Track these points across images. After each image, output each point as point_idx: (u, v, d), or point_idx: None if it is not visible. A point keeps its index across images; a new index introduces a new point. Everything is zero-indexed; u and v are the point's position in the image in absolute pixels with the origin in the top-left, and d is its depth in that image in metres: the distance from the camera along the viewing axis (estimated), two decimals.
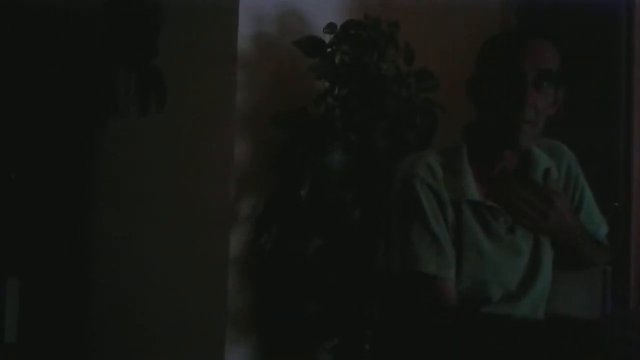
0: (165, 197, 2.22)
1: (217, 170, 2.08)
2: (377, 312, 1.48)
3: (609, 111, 1.96)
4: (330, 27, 1.97)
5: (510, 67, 1.18)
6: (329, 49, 1.97)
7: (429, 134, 1.93)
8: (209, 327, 2.06)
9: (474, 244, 1.23)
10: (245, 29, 2.00)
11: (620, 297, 1.90)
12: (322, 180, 1.92)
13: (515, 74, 1.18)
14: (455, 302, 1.20)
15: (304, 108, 1.99)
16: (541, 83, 1.18)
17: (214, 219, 2.08)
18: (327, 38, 1.99)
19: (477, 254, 1.23)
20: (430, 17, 2.32)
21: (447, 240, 1.22)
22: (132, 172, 2.34)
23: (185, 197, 2.16)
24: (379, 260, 1.74)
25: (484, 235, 1.24)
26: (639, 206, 1.96)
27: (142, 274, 2.27)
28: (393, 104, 1.91)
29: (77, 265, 2.45)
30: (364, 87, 1.93)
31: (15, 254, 2.32)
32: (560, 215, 1.20)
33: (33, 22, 2.45)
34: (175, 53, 2.19)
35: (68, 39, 2.45)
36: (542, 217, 1.18)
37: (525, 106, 1.17)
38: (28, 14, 2.44)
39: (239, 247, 2.03)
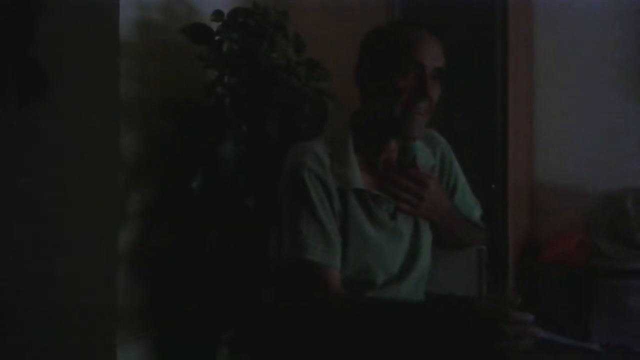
0: (48, 192, 2.10)
1: (103, 163, 1.98)
2: (269, 300, 1.49)
3: (486, 98, 2.07)
4: (217, 14, 1.93)
5: (411, 61, 1.22)
6: (217, 37, 1.93)
7: (319, 124, 1.95)
8: (99, 327, 1.97)
9: (359, 231, 1.26)
10: (127, 15, 1.92)
11: (499, 275, 2.03)
12: (214, 171, 1.89)
13: (415, 68, 1.22)
14: (341, 288, 1.22)
15: (192, 97, 1.94)
16: (436, 77, 1.24)
17: (101, 214, 1.98)
18: (215, 26, 1.96)
19: (362, 241, 1.27)
20: (318, 7, 2.34)
21: (333, 229, 1.24)
22: (12, 166, 2.20)
23: (70, 192, 2.05)
24: (270, 248, 1.75)
25: (369, 223, 1.28)
26: (515, 188, 2.10)
27: (26, 273, 2.13)
28: (283, 94, 1.90)
29: None
30: (253, 76, 1.91)
31: None
32: (435, 197, 1.28)
33: None
34: (54, 41, 2.06)
35: None
36: (418, 200, 1.25)
37: (424, 98, 1.22)
38: None
39: (128, 244, 1.96)
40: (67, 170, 2.06)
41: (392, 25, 1.35)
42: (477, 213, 1.46)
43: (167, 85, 2.01)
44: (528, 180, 2.33)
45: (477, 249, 1.42)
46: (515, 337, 1.00)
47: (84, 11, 1.99)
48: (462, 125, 1.99)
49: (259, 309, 1.85)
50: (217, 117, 1.90)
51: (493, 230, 1.78)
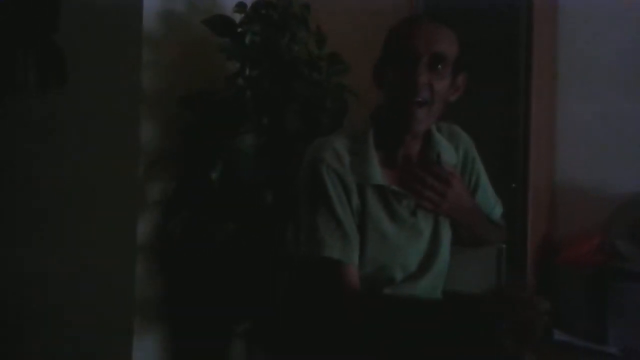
0: (68, 181, 2.12)
1: (123, 152, 2.00)
2: (283, 295, 1.49)
3: (509, 96, 2.04)
4: (240, 6, 1.93)
5: (406, 50, 1.20)
6: (239, 29, 1.93)
7: (340, 118, 1.94)
8: (117, 315, 1.99)
9: (377, 227, 1.25)
10: (150, 5, 1.93)
11: (517, 275, 2.01)
12: (233, 163, 1.89)
13: (409, 55, 1.19)
14: (358, 285, 1.21)
15: (213, 89, 1.94)
16: (435, 64, 1.20)
17: (120, 203, 2.00)
18: (238, 17, 1.95)
19: (381, 237, 1.25)
20: (341, 1, 2.33)
21: (351, 226, 1.23)
22: (32, 154, 2.22)
23: (89, 180, 2.07)
24: (287, 243, 1.74)
25: (388, 219, 1.26)
26: (535, 188, 2.07)
27: (46, 263, 2.16)
28: (304, 87, 1.90)
29: None
30: (275, 69, 1.91)
31: None
32: (457, 195, 1.26)
33: None
34: (78, 30, 2.08)
35: None
36: (441, 198, 1.24)
37: (417, 85, 1.18)
38: None
39: (147, 233, 1.98)
40: (86, 159, 2.08)
41: (402, 20, 1.33)
42: (497, 211, 1.44)
43: (188, 77, 2.01)
44: (549, 180, 2.30)
45: (497, 247, 1.41)
46: (527, 322, 1.00)
47: (108, 1, 2.00)
48: (484, 123, 1.96)
49: (274, 302, 1.86)
50: (238, 109, 1.90)
51: (512, 230, 1.76)
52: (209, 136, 1.93)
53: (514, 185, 2.01)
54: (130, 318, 1.95)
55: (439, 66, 1.21)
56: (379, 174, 1.25)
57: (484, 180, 1.41)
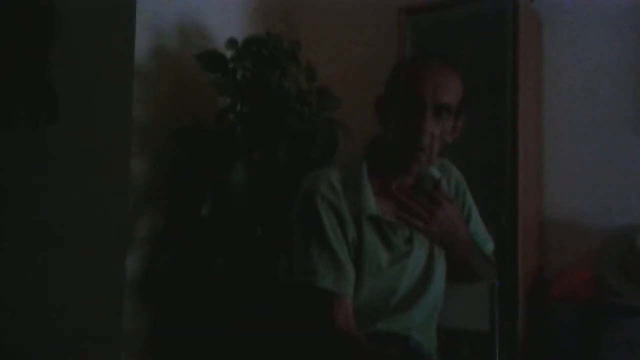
0: (57, 216, 2.10)
1: (112, 187, 1.99)
2: (278, 328, 1.46)
3: (498, 133, 2.07)
4: (232, 42, 1.96)
5: (413, 97, 1.21)
6: (230, 65, 1.95)
7: (330, 151, 1.95)
8: (105, 352, 1.95)
9: (373, 258, 1.25)
10: (142, 40, 1.95)
11: (509, 310, 2.00)
12: (224, 198, 1.89)
13: (416, 103, 1.20)
14: (351, 317, 1.21)
15: (204, 124, 1.95)
16: (440, 113, 1.22)
17: (109, 239, 1.98)
18: (229, 53, 1.98)
19: (377, 268, 1.25)
20: (330, 35, 2.36)
21: (346, 256, 1.23)
22: (21, 189, 2.20)
23: (78, 216, 2.05)
24: (280, 276, 1.73)
25: (383, 249, 1.26)
26: (524, 224, 2.08)
27: (33, 299, 2.12)
28: (294, 122, 1.91)
29: None
30: (266, 104, 1.93)
31: None
32: (448, 217, 1.27)
33: None
34: (69, 65, 2.09)
35: None
36: (430, 216, 1.24)
37: (422, 134, 1.20)
38: None
39: (136, 269, 1.95)
40: (76, 193, 2.06)
41: (412, 58, 1.33)
42: (489, 247, 1.44)
43: (179, 111, 2.02)
44: (537, 216, 2.31)
45: (490, 283, 1.40)
46: None
47: (99, 35, 2.02)
48: (472, 160, 1.98)
49: (268, 336, 1.83)
50: (229, 143, 1.90)
51: (503, 265, 1.76)
52: (199, 170, 1.92)
53: (503, 219, 2.02)
54: (118, 355, 1.91)
55: (444, 114, 1.22)
56: (372, 205, 1.26)
57: (475, 214, 1.42)
